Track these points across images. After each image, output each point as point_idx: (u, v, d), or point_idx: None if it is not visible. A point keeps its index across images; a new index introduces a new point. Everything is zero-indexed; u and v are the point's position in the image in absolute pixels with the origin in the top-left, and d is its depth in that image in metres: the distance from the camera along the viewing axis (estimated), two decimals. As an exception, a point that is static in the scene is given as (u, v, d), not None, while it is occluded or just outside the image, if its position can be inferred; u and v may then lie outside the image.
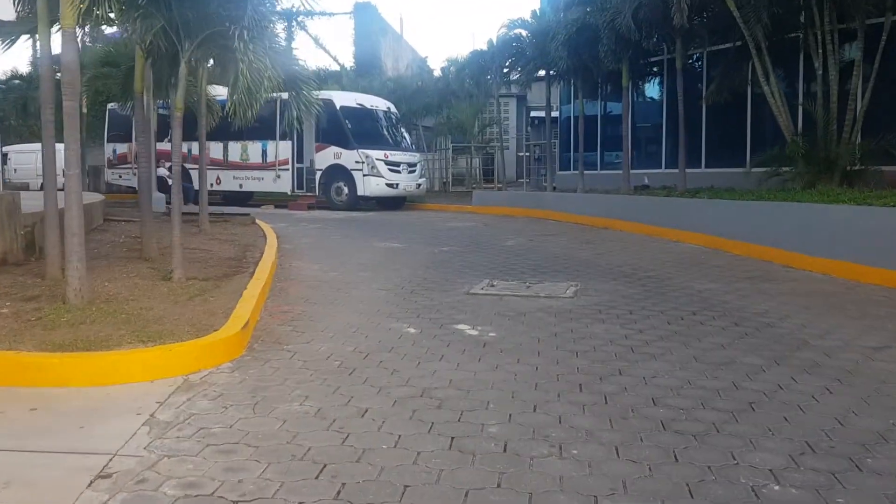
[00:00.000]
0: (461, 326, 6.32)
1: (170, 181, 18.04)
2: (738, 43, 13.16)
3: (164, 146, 24.29)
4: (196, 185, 22.05)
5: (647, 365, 5.16)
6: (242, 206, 22.32)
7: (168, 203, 17.15)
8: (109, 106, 25.03)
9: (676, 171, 15.37)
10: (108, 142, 25.86)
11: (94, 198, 15.77)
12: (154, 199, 17.33)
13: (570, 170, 20.55)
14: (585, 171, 18.72)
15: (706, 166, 16.40)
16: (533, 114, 29.17)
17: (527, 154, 31.26)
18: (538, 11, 19.70)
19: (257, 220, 14.27)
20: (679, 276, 8.97)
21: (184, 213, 13.62)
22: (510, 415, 4.13)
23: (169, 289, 7.16)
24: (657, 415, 4.13)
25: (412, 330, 6.20)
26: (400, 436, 3.80)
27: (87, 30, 18.00)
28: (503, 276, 9.01)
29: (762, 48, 12.20)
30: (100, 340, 5.07)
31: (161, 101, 22.25)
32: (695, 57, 17.07)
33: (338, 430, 3.87)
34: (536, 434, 3.83)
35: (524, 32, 18.71)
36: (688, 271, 9.41)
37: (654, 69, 18.13)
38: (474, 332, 6.12)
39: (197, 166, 23.74)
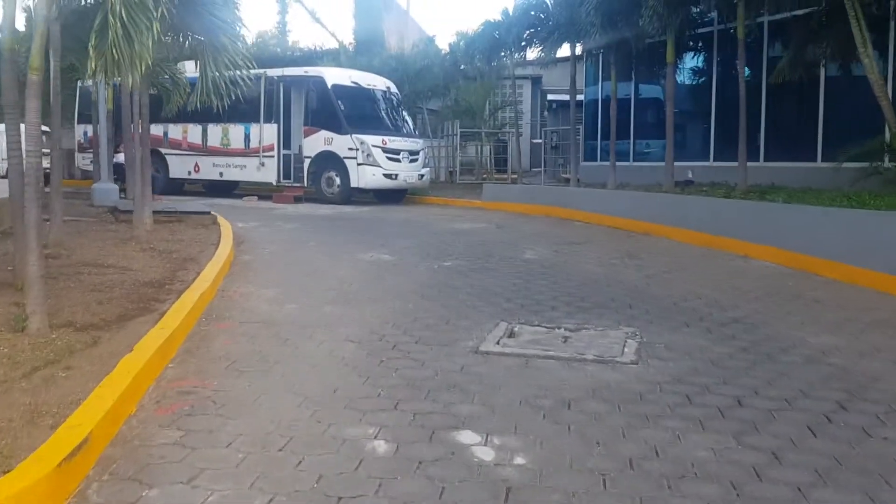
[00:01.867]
0: (466, 437, 3.73)
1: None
2: (823, 6, 10.42)
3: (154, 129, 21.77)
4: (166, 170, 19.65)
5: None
6: (226, 196, 19.79)
7: (123, 195, 14.60)
8: (81, 84, 22.51)
9: (727, 164, 12.79)
10: (77, 123, 23.30)
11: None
12: (102, 190, 14.90)
13: (595, 160, 17.88)
14: (618, 163, 16.04)
15: (766, 159, 13.73)
16: (550, 97, 26.43)
17: (543, 142, 28.59)
18: (563, -28, 16.92)
19: (220, 219, 11.68)
20: (777, 320, 6.34)
21: (123, 212, 11.11)
22: None
23: (12, 348, 4.58)
24: None
25: (382, 446, 3.60)
26: None
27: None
28: (526, 312, 6.40)
29: (859, 15, 9.46)
30: None
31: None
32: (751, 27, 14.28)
33: None
34: None
35: (547, -1, 16.02)
36: (784, 310, 6.79)
37: (701, 43, 15.36)
38: (488, 457, 3.52)
39: (174, 151, 21.39)
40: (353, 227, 12.69)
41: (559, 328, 5.97)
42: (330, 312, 6.33)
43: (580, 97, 27.53)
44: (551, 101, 25.84)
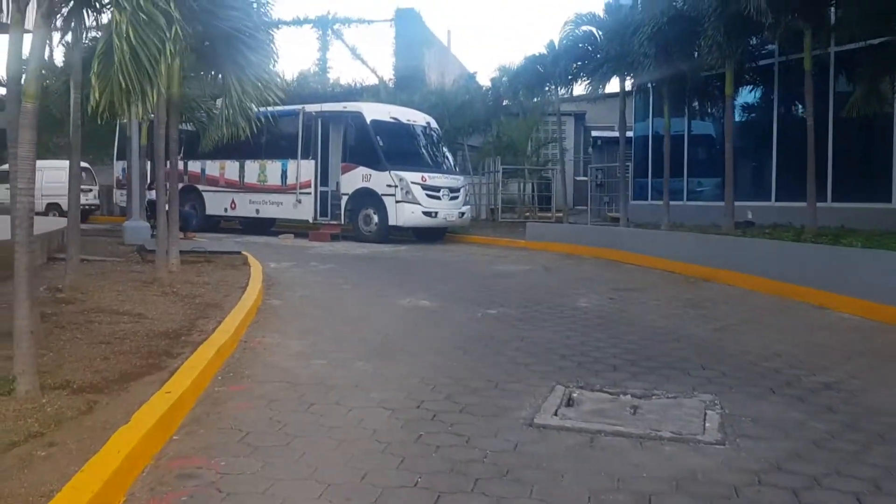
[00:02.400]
0: (527, 554, 2.95)
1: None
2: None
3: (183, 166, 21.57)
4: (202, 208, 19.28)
5: None
6: (263, 234, 19.37)
7: (154, 233, 14.15)
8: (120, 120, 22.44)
9: (790, 204, 11.86)
10: (116, 160, 23.20)
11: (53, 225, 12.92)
12: (133, 229, 14.50)
13: (645, 199, 17.03)
14: (663, 203, 15.16)
15: (833, 199, 12.75)
16: (595, 133, 25.72)
17: (588, 179, 27.81)
18: (612, 2, 16.24)
19: (250, 259, 11.11)
20: (877, 387, 5.47)
21: (150, 252, 10.59)
22: None
23: (-7, 416, 3.95)
24: None
25: (419, 564, 2.85)
26: None
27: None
28: (585, 373, 5.61)
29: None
30: None
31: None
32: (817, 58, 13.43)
33: None
34: None
35: (595, 30, 15.36)
36: (880, 374, 5.90)
37: (761, 75, 14.53)
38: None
39: (211, 188, 21.08)
40: (391, 269, 12.02)
41: (625, 394, 5.16)
42: (362, 370, 5.61)
43: (628, 133, 26.88)
44: (596, 138, 25.11)
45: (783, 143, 13.89)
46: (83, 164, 26.51)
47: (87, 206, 25.33)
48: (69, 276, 7.45)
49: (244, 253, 11.75)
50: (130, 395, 4.43)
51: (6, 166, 25.99)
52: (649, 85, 15.56)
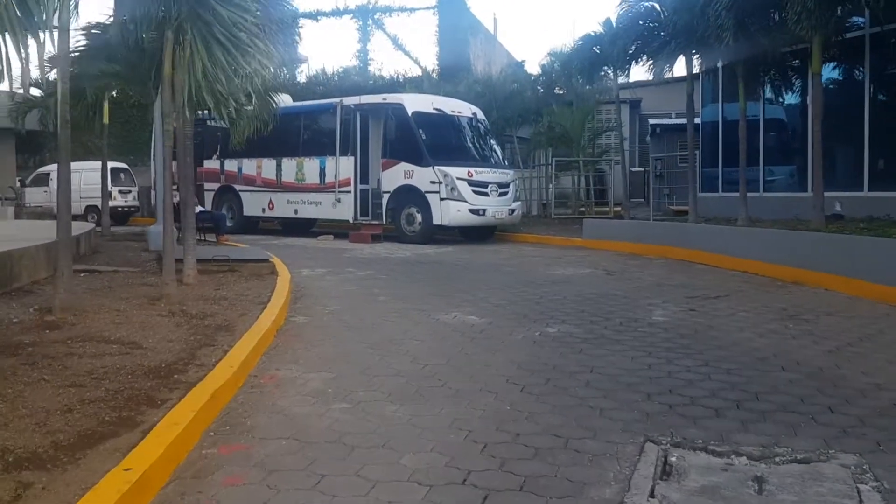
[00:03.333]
0: None
1: (196, 209, 14.07)
2: None
3: (212, 164, 20.77)
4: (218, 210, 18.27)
5: None
6: (302, 235, 18.42)
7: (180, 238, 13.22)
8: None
9: (886, 194, 10.27)
10: (153, 159, 22.45)
11: (83, 227, 12.08)
12: (157, 234, 13.55)
13: (715, 191, 15.49)
14: (736, 195, 13.63)
15: (939, 188, 11.12)
16: (653, 121, 24.10)
17: (646, 170, 26.23)
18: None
19: (279, 267, 10.03)
20: None
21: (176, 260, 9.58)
22: None
23: None
24: None
25: None
26: None
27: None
28: (679, 419, 4.35)
29: None
30: None
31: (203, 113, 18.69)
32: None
33: None
34: None
35: (657, 5, 13.89)
36: None
37: (846, 50, 12.87)
38: None
39: (248, 187, 20.18)
40: (435, 275, 10.82)
41: (739, 455, 3.87)
42: (392, 418, 4.42)
43: (695, 119, 25.22)
44: (654, 126, 23.50)
45: (877, 125, 12.29)
46: (121, 164, 26.19)
47: (126, 209, 24.81)
48: (59, 296, 6.42)
49: (273, 259, 10.67)
50: (80, 473, 3.31)
51: (41, 169, 25.52)
52: (718, 65, 14.04)
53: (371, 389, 4.98)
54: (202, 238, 14.96)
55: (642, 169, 26.91)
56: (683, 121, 25.00)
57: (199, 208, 15.15)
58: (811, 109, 11.63)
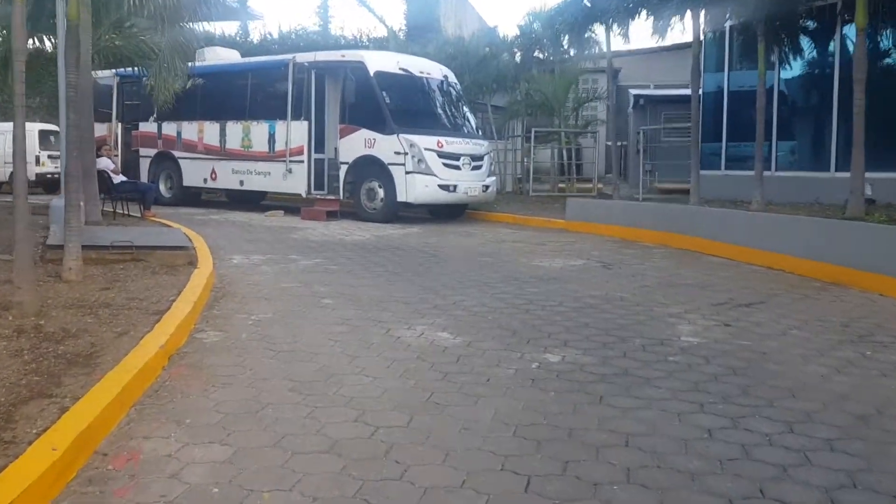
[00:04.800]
0: None
1: (116, 178, 11.96)
2: None
3: (148, 127, 18.48)
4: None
5: None
6: (250, 209, 16.41)
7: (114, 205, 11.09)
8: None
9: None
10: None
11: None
12: (59, 208, 11.41)
13: (717, 168, 13.73)
14: (747, 173, 11.92)
15: None
16: (635, 92, 22.28)
17: (620, 145, 24.46)
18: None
19: (202, 254, 8.03)
20: None
21: (53, 248, 7.52)
22: None
23: None
24: None
25: None
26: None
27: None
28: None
29: None
30: None
31: (130, 70, 16.44)
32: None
33: None
34: None
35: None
36: None
37: (884, 6, 11.08)
38: None
39: (188, 154, 17.93)
40: (397, 266, 8.91)
41: None
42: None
43: (681, 91, 23.50)
44: (638, 97, 21.71)
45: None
46: (52, 126, 23.62)
47: (55, 176, 22.33)
48: None
49: (197, 244, 8.66)
50: None
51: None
52: (726, 26, 12.25)
53: (283, 487, 3.09)
54: (125, 213, 12.85)
55: (620, 143, 25.16)
56: (671, 92, 23.33)
57: (120, 177, 13.03)
58: (854, 73, 9.82)
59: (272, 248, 10.07)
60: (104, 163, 13.21)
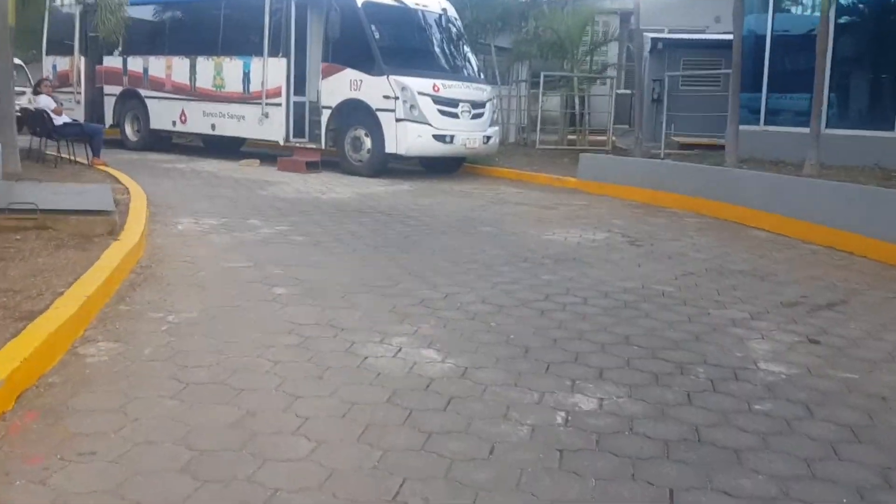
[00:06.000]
0: None
1: (58, 119, 10.25)
2: None
3: (113, 61, 16.59)
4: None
5: None
6: (227, 156, 14.75)
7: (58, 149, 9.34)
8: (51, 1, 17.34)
9: None
10: (46, 54, 18.11)
11: None
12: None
13: (756, 123, 11.98)
14: (791, 129, 10.24)
15: None
16: (652, 35, 20.27)
17: (631, 93, 22.56)
18: None
19: (133, 220, 6.39)
20: None
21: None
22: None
23: None
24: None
25: None
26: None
27: None
28: None
29: None
30: None
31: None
32: None
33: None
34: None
35: None
36: None
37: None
38: None
39: (155, 93, 16.03)
40: (378, 237, 7.28)
41: None
42: None
43: (701, 35, 21.67)
44: (656, 40, 19.73)
45: None
46: (16, 60, 21.67)
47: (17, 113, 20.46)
48: None
49: (134, 205, 7.01)
50: None
51: None
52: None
53: None
54: (71, 159, 11.15)
55: (629, 91, 23.26)
56: (692, 36, 21.34)
57: (63, 118, 11.28)
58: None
59: (232, 209, 8.42)
60: (43, 101, 11.43)
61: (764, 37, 11.84)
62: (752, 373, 3.93)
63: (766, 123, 11.76)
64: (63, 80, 17.46)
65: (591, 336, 4.42)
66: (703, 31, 24.85)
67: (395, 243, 6.97)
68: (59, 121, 10.92)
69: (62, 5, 17.30)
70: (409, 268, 5.96)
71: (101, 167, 10.79)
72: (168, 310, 4.57)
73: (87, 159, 11.11)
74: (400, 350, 4.04)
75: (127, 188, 8.60)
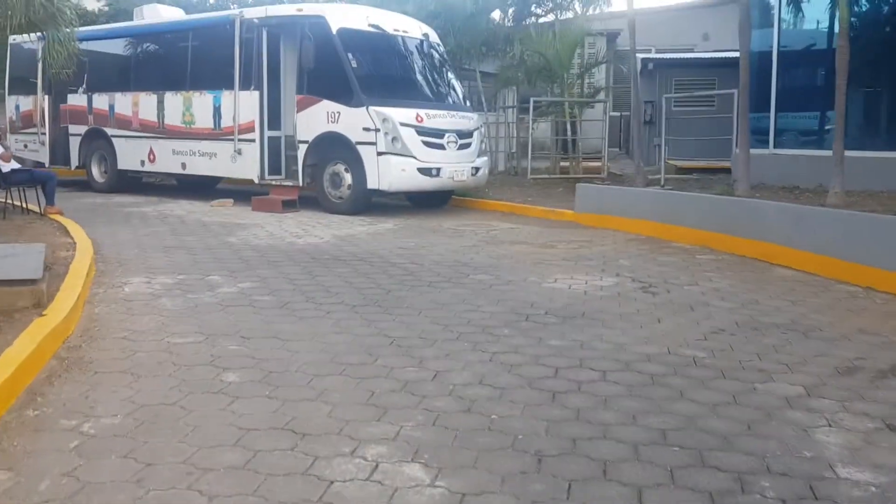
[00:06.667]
0: None
1: (5, 166, 9.39)
2: None
3: (78, 99, 15.71)
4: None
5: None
6: (200, 195, 13.88)
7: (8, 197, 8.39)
8: (12, 39, 16.48)
9: None
10: (8, 94, 17.23)
11: None
12: None
13: (764, 146, 11.18)
14: (805, 152, 9.44)
15: None
16: (643, 56, 19.59)
17: (621, 115, 21.88)
18: None
19: (69, 285, 5.46)
20: None
21: None
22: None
23: None
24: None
25: None
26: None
27: None
28: None
29: None
30: None
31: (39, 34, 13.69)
32: None
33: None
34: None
35: None
36: None
37: None
38: None
39: (122, 132, 15.07)
40: (355, 292, 6.37)
41: None
42: None
43: (692, 55, 21.11)
44: (646, 60, 19.09)
45: None
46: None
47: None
48: None
49: (75, 265, 6.08)
50: None
51: None
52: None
53: None
54: (23, 207, 10.22)
55: (619, 114, 22.55)
56: (683, 55, 20.72)
57: (12, 165, 10.36)
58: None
59: (192, 263, 7.49)
60: (-1, 151, 10.43)
61: (770, 52, 11.09)
62: (832, 485, 3.03)
63: (775, 146, 10.97)
64: (27, 121, 16.62)
65: (618, 432, 3.51)
66: (691, 50, 24.30)
67: (376, 300, 6.06)
68: (6, 167, 9.98)
69: (24, 42, 16.47)
70: (391, 334, 5.05)
71: (55, 216, 9.85)
72: (86, 414, 3.64)
73: (39, 208, 10.17)
74: (376, 468, 3.12)
75: (75, 242, 7.67)
